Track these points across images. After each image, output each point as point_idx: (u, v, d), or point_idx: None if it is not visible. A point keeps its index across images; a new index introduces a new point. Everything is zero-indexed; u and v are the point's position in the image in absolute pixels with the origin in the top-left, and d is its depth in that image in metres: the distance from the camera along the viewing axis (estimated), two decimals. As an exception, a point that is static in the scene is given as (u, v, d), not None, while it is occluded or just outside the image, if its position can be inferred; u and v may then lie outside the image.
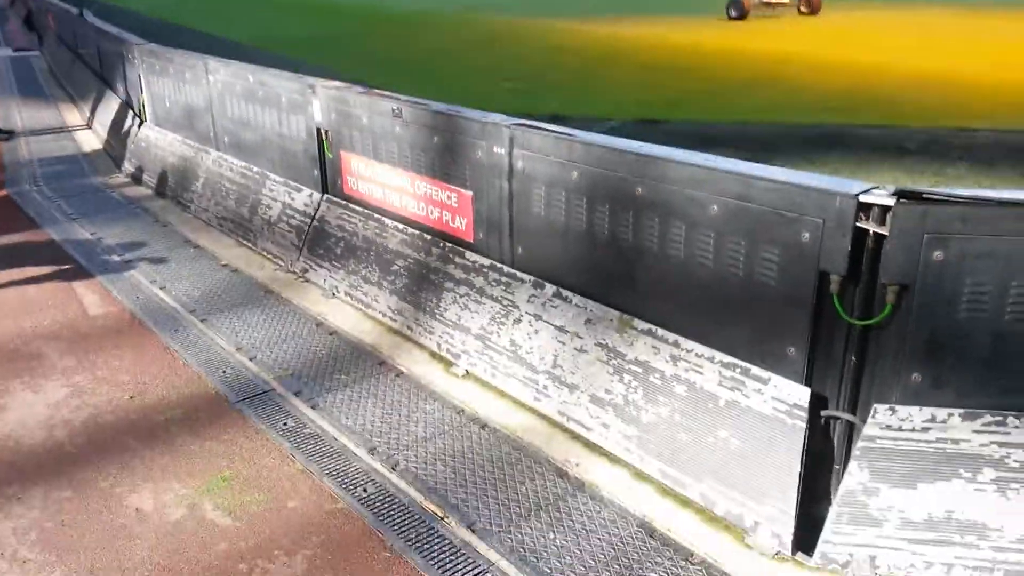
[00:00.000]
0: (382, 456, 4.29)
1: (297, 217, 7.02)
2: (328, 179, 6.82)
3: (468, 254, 5.48)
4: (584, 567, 3.49)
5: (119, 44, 10.89)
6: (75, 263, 7.14)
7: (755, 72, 14.12)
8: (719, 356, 4.03)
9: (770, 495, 3.66)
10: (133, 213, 8.59)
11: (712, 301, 4.04)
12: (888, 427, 3.54)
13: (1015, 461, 3.40)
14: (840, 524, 3.49)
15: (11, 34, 28.47)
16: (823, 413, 3.75)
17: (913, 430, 3.52)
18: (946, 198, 3.27)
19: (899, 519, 3.42)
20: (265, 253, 7.23)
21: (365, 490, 4.03)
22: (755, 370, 3.89)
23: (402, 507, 3.90)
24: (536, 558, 3.54)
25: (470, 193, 5.36)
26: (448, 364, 5.25)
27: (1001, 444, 3.43)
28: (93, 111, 13.13)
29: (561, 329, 4.72)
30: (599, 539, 3.66)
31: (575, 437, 4.45)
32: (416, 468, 4.19)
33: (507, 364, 4.91)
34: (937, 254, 3.30)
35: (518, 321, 4.96)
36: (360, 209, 6.46)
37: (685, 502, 3.92)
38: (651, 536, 3.69)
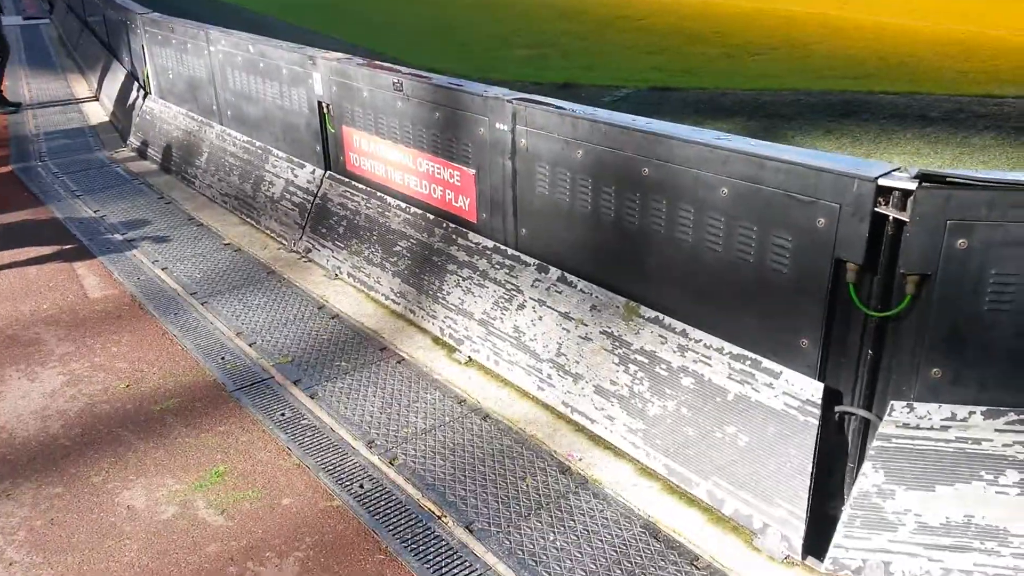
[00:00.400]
0: (380, 449, 4.17)
1: (300, 194, 6.85)
2: (331, 155, 6.64)
3: (471, 235, 5.29)
4: (585, 571, 3.36)
5: (122, 12, 10.68)
6: (77, 242, 7.04)
7: (771, 36, 13.66)
8: (728, 347, 3.85)
9: (780, 496, 3.50)
10: (137, 189, 8.46)
11: (721, 289, 3.84)
12: (905, 425, 3.35)
13: (1041, 462, 3.21)
14: (853, 528, 3.32)
15: (22, 1, 28.28)
16: (837, 409, 3.56)
17: (932, 428, 3.33)
18: (972, 182, 3.04)
19: (915, 523, 3.25)
20: (268, 232, 7.08)
21: (362, 486, 3.91)
22: (766, 363, 3.71)
23: (399, 505, 3.78)
24: (535, 561, 3.41)
25: (473, 172, 5.16)
26: (451, 350, 5.10)
27: (1026, 444, 3.24)
28: (100, 82, 12.98)
29: (566, 316, 4.55)
30: (601, 541, 3.52)
31: (579, 429, 4.30)
32: (415, 463, 4.06)
33: (510, 351, 4.76)
34: (961, 242, 3.08)
35: (522, 307, 4.79)
36: (363, 187, 6.28)
37: (691, 500, 3.77)
38: (655, 538, 3.55)
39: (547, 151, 4.56)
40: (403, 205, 5.86)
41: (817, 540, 3.41)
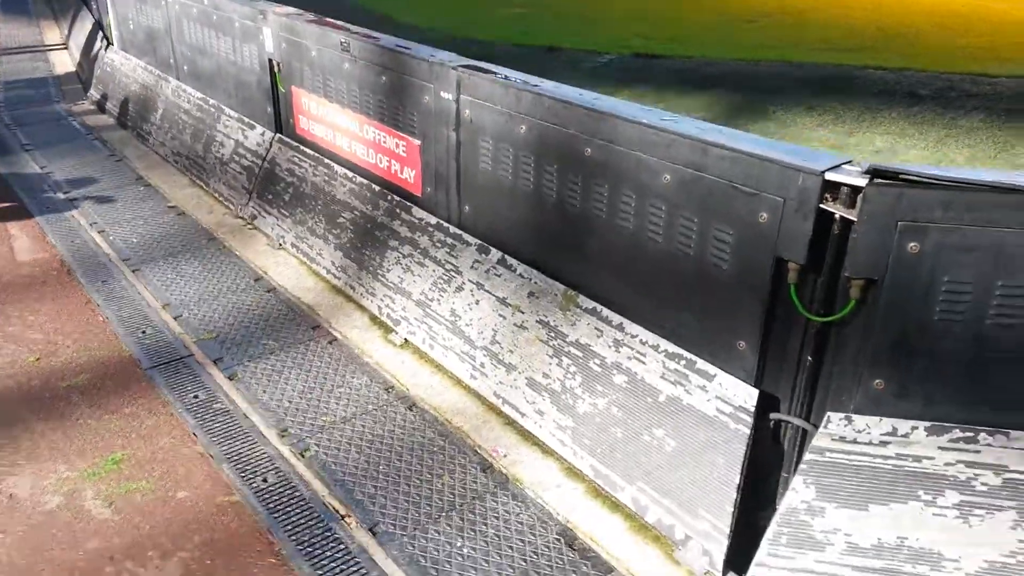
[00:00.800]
0: (293, 439, 3.91)
1: (249, 157, 6.52)
2: (282, 117, 6.30)
3: (415, 210, 4.98)
4: (489, 583, 3.12)
5: (87, -41, 10.22)
6: (16, 200, 6.71)
7: (766, 2, 13.18)
8: (664, 345, 3.57)
9: (705, 507, 3.24)
10: (90, 145, 8.10)
11: (660, 282, 3.55)
12: (841, 438, 3.09)
13: (983, 484, 2.94)
14: (778, 546, 3.06)
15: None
16: (772, 416, 3.29)
17: (870, 443, 3.06)
18: (928, 179, 2.73)
19: (845, 543, 2.99)
20: (216, 195, 6.76)
21: (265, 480, 3.65)
22: (701, 364, 3.43)
23: (302, 502, 3.52)
24: (437, 570, 3.16)
25: (418, 142, 4.84)
26: (388, 331, 4.82)
27: (969, 464, 2.97)
28: (71, 30, 12.52)
29: (503, 301, 4.26)
30: (511, 548, 3.27)
31: (509, 423, 4.03)
32: (327, 455, 3.80)
33: (446, 336, 4.48)
34: (912, 245, 2.79)
35: (460, 289, 4.50)
36: (311, 152, 5.94)
37: (616, 506, 3.52)
38: (571, 546, 3.30)
39: (491, 124, 4.24)
40: (350, 174, 5.54)
41: (743, 554, 3.16)
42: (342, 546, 3.27)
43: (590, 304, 3.90)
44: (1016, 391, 2.88)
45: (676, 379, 3.48)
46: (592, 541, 3.34)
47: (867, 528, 2.98)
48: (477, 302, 4.38)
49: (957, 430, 3.00)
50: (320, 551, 3.24)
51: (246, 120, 6.68)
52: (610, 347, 3.75)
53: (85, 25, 11.34)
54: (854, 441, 3.08)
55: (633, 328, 3.70)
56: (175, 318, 4.95)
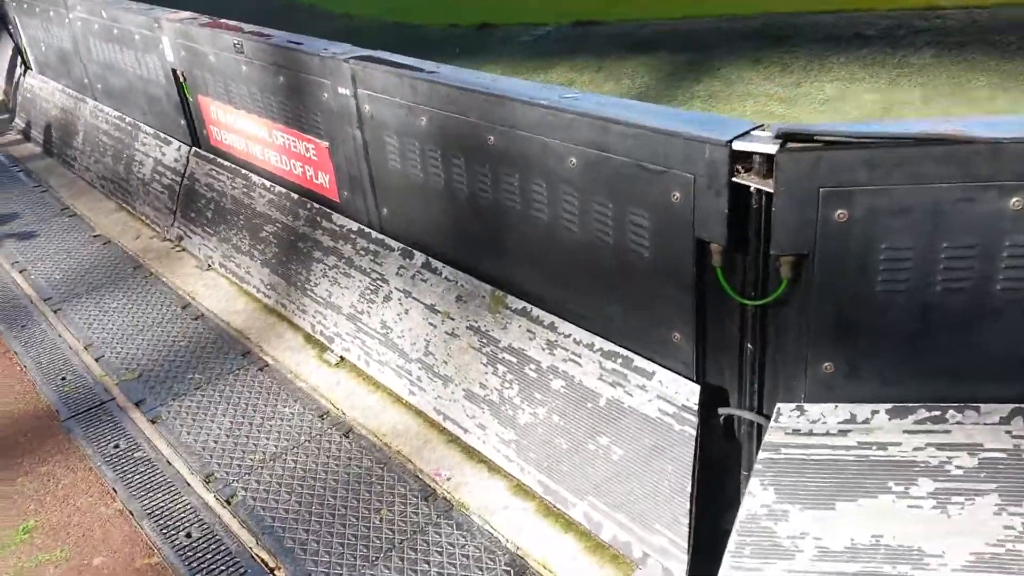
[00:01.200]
0: (219, 484, 3.62)
1: (168, 175, 6.15)
2: (196, 129, 5.92)
3: (335, 216, 4.65)
4: (428, 633, 2.85)
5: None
6: (-66, 248, 6.35)
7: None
8: (599, 343, 3.27)
9: (659, 520, 2.97)
10: (14, 178, 7.72)
11: (583, 275, 3.25)
12: (796, 431, 2.80)
13: (958, 468, 2.66)
14: (742, 558, 2.78)
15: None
16: (721, 411, 3.01)
17: (827, 433, 2.77)
18: (845, 139, 2.42)
19: (815, 548, 2.71)
20: (143, 218, 6.40)
21: (189, 535, 3.37)
22: (639, 361, 3.13)
23: (227, 557, 3.24)
24: (370, 625, 2.89)
25: (326, 144, 4.49)
26: (323, 349, 4.51)
27: (940, 446, 2.69)
28: (-4, 56, 12.00)
29: (431, 308, 3.95)
30: (454, 588, 3.00)
31: (452, 440, 3.75)
32: (255, 499, 3.51)
33: (380, 350, 4.17)
34: (839, 213, 2.47)
35: (388, 298, 4.19)
36: (227, 164, 5.59)
37: (568, 524, 3.25)
38: (522, 575, 3.03)
39: (392, 118, 3.90)
40: (268, 184, 5.19)
41: (709, 564, 2.89)
42: (267, 608, 3.00)
43: (519, 304, 3.59)
44: (977, 360, 2.59)
45: (614, 380, 3.18)
46: (545, 568, 3.07)
47: (837, 529, 2.70)
48: (407, 311, 4.07)
49: (922, 410, 2.71)
50: (243, 617, 2.97)
51: (162, 136, 6.31)
52: (544, 350, 3.45)
53: (6, 50, 10.85)
54: (810, 433, 2.79)
55: (565, 327, 3.40)
56: (97, 359, 4.64)
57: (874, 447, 2.73)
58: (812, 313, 2.66)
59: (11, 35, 10.68)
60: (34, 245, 6.21)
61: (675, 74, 7.14)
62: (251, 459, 3.75)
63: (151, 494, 3.60)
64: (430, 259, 4.04)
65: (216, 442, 3.88)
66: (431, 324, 3.93)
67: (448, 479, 3.55)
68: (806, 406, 2.80)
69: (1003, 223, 2.33)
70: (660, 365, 3.06)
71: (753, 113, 6.35)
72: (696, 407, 2.93)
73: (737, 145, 2.49)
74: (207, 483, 3.63)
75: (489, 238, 3.64)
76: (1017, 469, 2.56)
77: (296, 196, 4.94)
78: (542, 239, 3.35)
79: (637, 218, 2.90)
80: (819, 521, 2.73)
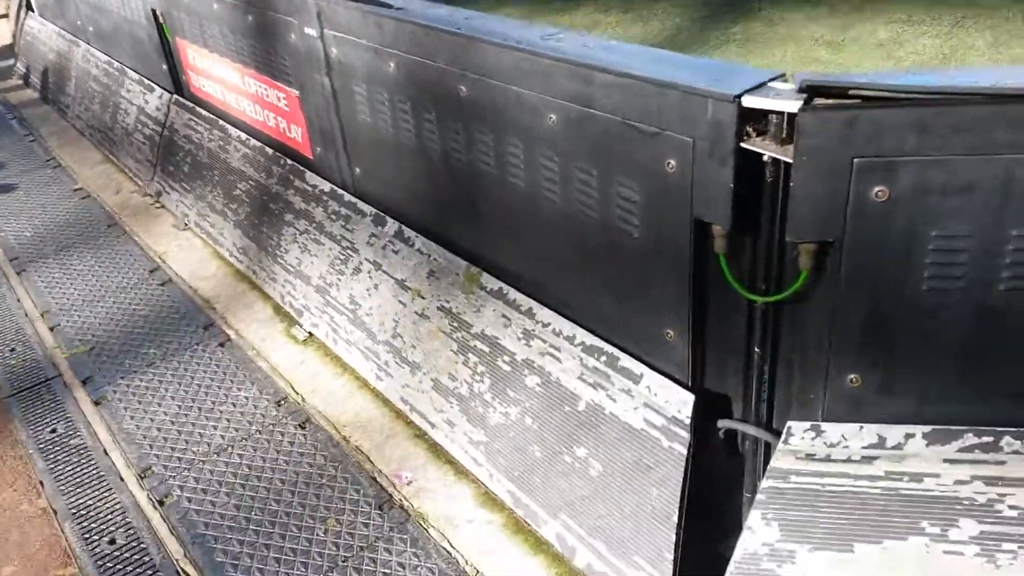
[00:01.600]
0: (154, 481, 3.21)
1: (150, 124, 5.70)
2: (177, 75, 5.45)
3: (307, 175, 4.15)
4: None
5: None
6: (-89, 200, 6.01)
7: None
8: (581, 336, 2.75)
9: (640, 552, 2.47)
10: (5, 126, 7.34)
11: (564, 254, 2.72)
12: (809, 456, 2.27)
13: (1011, 507, 2.12)
14: (735, 606, 2.29)
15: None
16: (721, 424, 2.48)
17: (849, 460, 2.24)
18: (890, 93, 1.83)
19: (825, 600, 2.21)
20: (126, 170, 5.98)
21: (112, 541, 2.97)
22: (624, 360, 2.61)
23: (150, 571, 2.83)
24: (294, 664, 2.46)
25: (296, 93, 3.98)
26: (292, 323, 4.06)
27: (990, 480, 2.14)
28: (9, -2, 11.64)
29: (402, 284, 3.46)
30: (396, 622, 2.56)
31: (419, 435, 3.28)
32: (190, 500, 3.09)
33: (348, 328, 3.71)
34: (878, 190, 1.91)
35: (357, 270, 3.70)
36: (205, 114, 5.11)
37: (539, 545, 2.77)
38: (475, 612, 2.57)
39: (360, 64, 3.36)
40: (243, 137, 4.71)
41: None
42: (181, 636, 2.59)
43: (495, 284, 3.08)
44: (1046, 379, 2.02)
45: (596, 380, 2.67)
46: (503, 600, 2.60)
47: (852, 576, 2.20)
48: (376, 286, 3.58)
49: (970, 435, 2.16)
50: (152, 646, 2.56)
51: (146, 82, 5.85)
52: (520, 340, 2.94)
53: (16, -10, 10.47)
54: (827, 458, 2.26)
55: (544, 314, 2.88)
56: (51, 328, 4.25)
57: (906, 478, 2.19)
58: (837, 314, 2.11)
59: (20, -25, 10.30)
60: (12, 199, 5.83)
61: (711, 15, 6.43)
62: (193, 451, 3.33)
63: (80, 490, 3.21)
64: (403, 227, 3.53)
65: (159, 430, 3.46)
66: (400, 302, 3.44)
67: (409, 483, 3.09)
68: (824, 425, 2.26)
69: (1096, 209, 1.75)
70: (649, 366, 2.54)
71: (795, 59, 5.65)
72: (689, 420, 2.40)
73: (748, 101, 1.92)
74: (142, 479, 3.23)
75: (464, 206, 3.12)
76: (1093, 525, 2.02)
77: (270, 151, 4.45)
78: (520, 211, 2.82)
79: (625, 190, 2.35)
80: (833, 566, 2.22)
